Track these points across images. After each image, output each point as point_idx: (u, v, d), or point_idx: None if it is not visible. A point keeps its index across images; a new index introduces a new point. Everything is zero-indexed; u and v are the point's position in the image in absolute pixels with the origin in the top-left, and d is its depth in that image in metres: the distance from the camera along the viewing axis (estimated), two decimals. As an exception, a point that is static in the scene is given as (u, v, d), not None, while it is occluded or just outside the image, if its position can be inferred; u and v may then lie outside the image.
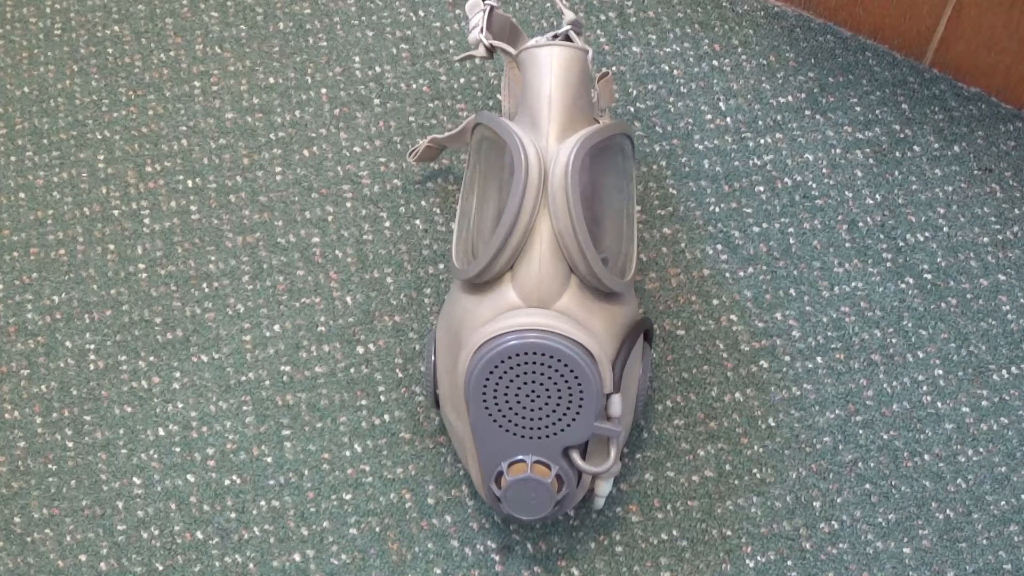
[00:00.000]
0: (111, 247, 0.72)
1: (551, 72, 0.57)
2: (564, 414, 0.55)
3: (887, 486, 0.63)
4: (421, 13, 0.80)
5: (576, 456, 0.56)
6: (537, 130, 0.57)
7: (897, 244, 0.70)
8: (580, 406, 0.55)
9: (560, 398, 0.55)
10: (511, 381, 0.55)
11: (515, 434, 0.55)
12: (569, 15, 0.63)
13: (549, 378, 0.54)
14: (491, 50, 0.62)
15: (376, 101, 0.77)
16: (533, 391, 0.55)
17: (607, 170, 0.59)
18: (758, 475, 0.64)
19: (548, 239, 0.55)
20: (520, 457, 0.56)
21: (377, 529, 0.63)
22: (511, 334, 0.54)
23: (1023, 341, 0.67)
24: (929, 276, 0.69)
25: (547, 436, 0.55)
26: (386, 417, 0.66)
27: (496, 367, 0.54)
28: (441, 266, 0.70)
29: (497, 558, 0.62)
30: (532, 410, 0.55)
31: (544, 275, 0.55)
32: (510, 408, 0.55)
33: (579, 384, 0.54)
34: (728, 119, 0.75)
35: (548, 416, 0.55)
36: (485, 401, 0.55)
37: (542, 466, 0.56)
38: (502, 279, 0.56)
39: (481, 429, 0.56)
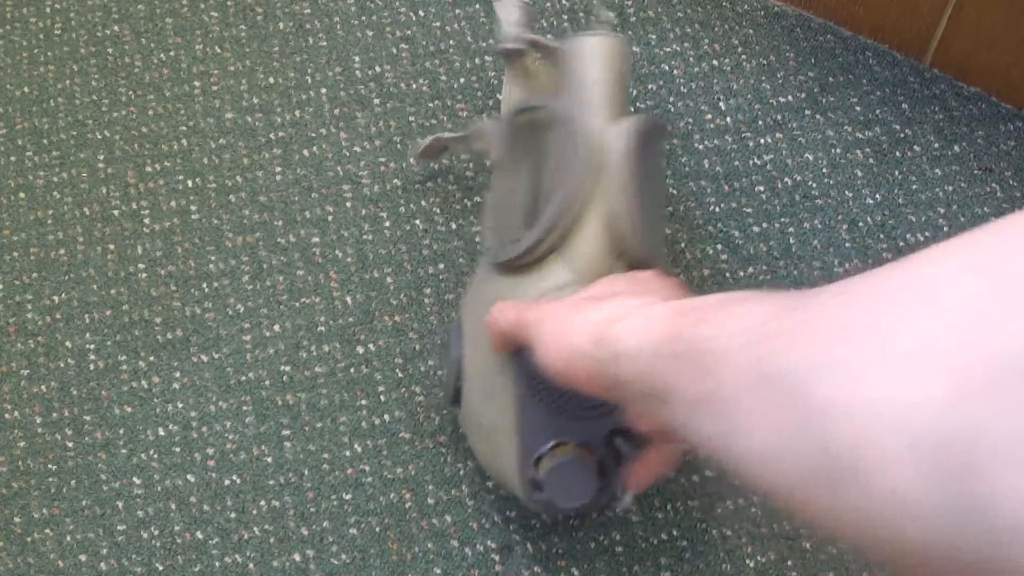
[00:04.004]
0: (111, 247, 0.72)
1: (601, 59, 0.58)
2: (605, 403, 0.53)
3: (887, 486, 0.63)
4: (421, 13, 0.80)
5: (621, 441, 0.54)
6: (587, 114, 0.57)
7: (897, 244, 0.70)
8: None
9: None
10: None
11: (563, 413, 0.53)
12: (606, 15, 0.63)
13: None
14: (527, 45, 0.62)
15: (376, 101, 0.77)
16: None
17: (652, 157, 0.59)
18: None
19: (601, 219, 0.54)
20: (564, 439, 0.53)
21: (377, 529, 0.63)
22: None
23: (1023, 341, 0.67)
24: (929, 276, 0.69)
25: (595, 417, 0.53)
26: (386, 417, 0.66)
27: None
28: (441, 266, 0.70)
29: (497, 558, 0.62)
30: (585, 402, 0.53)
31: (596, 254, 0.54)
32: (561, 386, 0.52)
33: None
34: (728, 119, 0.75)
35: (595, 406, 0.53)
36: (536, 377, 0.51)
37: (586, 450, 0.54)
38: (546, 260, 0.55)
39: (528, 409, 0.53)
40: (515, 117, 0.61)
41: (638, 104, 0.75)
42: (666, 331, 0.39)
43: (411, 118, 0.76)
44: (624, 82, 0.59)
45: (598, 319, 0.44)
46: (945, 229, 0.71)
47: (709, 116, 0.75)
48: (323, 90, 0.77)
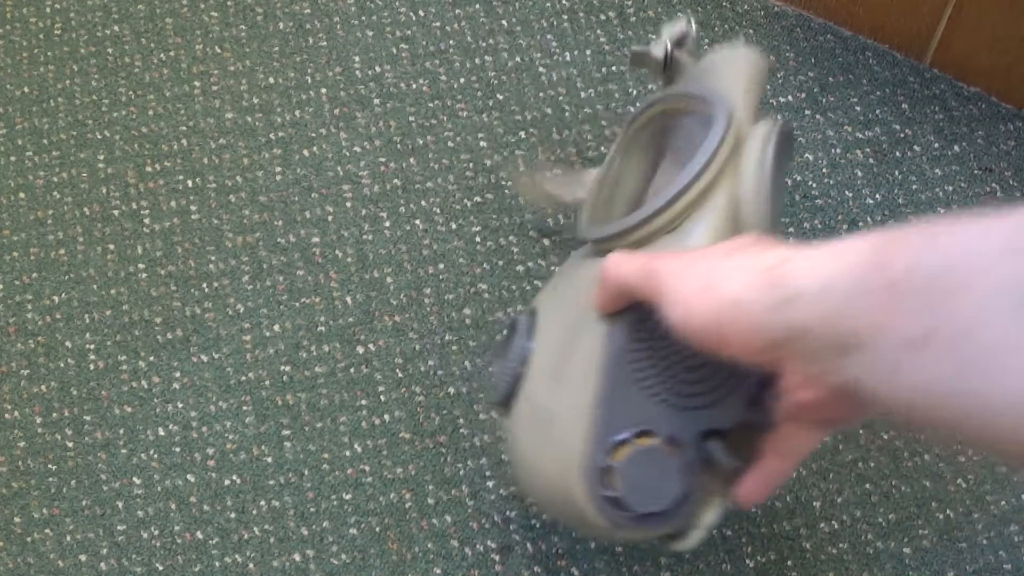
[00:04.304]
0: (111, 247, 0.72)
1: (746, 70, 0.56)
2: (720, 384, 0.46)
3: (887, 486, 0.63)
4: (421, 13, 0.80)
5: (716, 447, 0.46)
6: (729, 103, 0.53)
7: (897, 244, 0.71)
8: (740, 379, 0.46)
9: (723, 363, 0.43)
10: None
11: (654, 397, 0.45)
12: (682, 27, 0.62)
13: None
14: (668, 60, 0.60)
15: (376, 101, 0.77)
16: (696, 359, 0.45)
17: (782, 164, 0.55)
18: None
19: (728, 201, 0.49)
20: (649, 428, 0.45)
21: (377, 529, 0.63)
22: None
23: (1023, 341, 0.67)
24: (929, 276, 0.69)
25: (691, 409, 0.46)
26: (386, 417, 0.66)
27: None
28: (441, 266, 0.70)
29: (497, 558, 0.62)
30: (685, 369, 0.46)
31: (715, 235, 0.49)
32: (660, 362, 0.45)
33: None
34: (728, 119, 0.75)
35: (700, 382, 0.46)
36: (635, 352, 0.45)
37: (673, 448, 0.45)
38: (659, 239, 0.50)
39: (613, 386, 0.45)
40: (645, 109, 0.58)
41: (638, 104, 0.75)
42: (868, 261, 0.32)
43: (411, 118, 0.76)
44: (761, 96, 0.56)
45: (762, 262, 0.37)
46: (945, 229, 0.71)
47: (709, 116, 0.75)
48: (323, 90, 0.77)
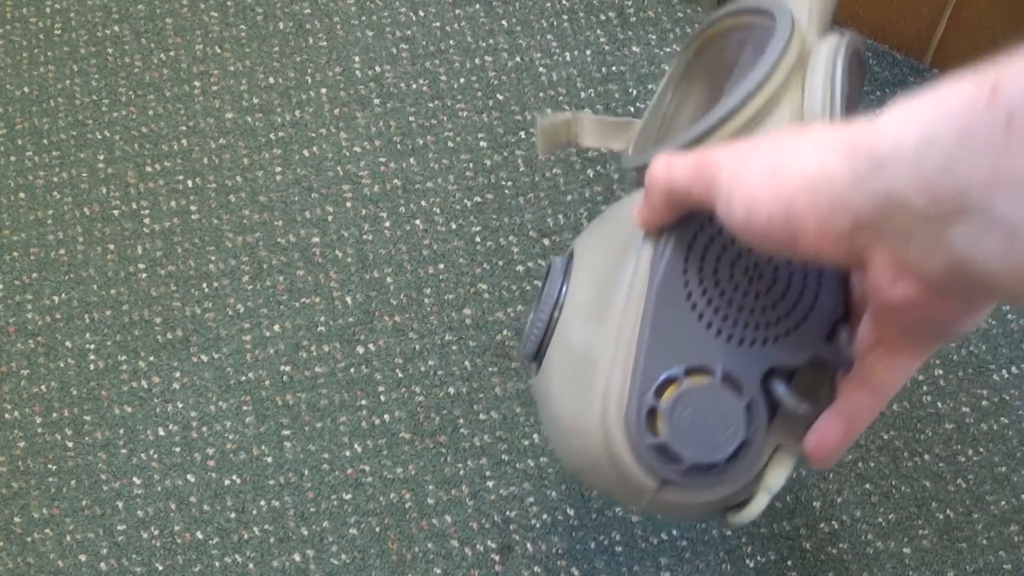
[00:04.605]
0: (111, 247, 0.72)
1: None
2: (789, 310, 0.39)
3: (887, 486, 0.63)
4: (421, 13, 0.80)
5: (782, 387, 0.38)
6: (797, 14, 0.46)
7: (897, 244, 0.70)
8: (812, 306, 0.39)
9: (791, 284, 0.39)
10: (736, 246, 0.39)
11: (708, 325, 0.39)
12: None
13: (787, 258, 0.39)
14: None
15: (376, 101, 0.77)
16: (758, 268, 0.39)
17: (855, 80, 0.49)
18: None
19: (794, 114, 0.43)
20: (702, 365, 0.38)
21: (377, 529, 0.63)
22: None
23: (1023, 341, 0.67)
24: (929, 276, 0.69)
25: (753, 342, 0.39)
26: (386, 417, 0.66)
27: (719, 229, 0.39)
28: (441, 266, 0.70)
29: (497, 558, 0.62)
30: (746, 293, 0.39)
31: None
32: (718, 285, 0.39)
33: (820, 275, 0.39)
34: (728, 119, 0.75)
35: (763, 309, 0.39)
36: (687, 273, 0.39)
37: (733, 386, 0.38)
38: None
39: (661, 316, 0.39)
40: (701, 32, 0.52)
41: (638, 104, 0.75)
42: (975, 100, 0.27)
43: (411, 118, 0.76)
44: (831, 10, 0.49)
45: (840, 132, 0.31)
46: (945, 229, 0.71)
47: (709, 116, 0.75)
48: (323, 90, 0.77)
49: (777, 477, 0.39)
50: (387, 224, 0.72)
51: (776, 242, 0.33)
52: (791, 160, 0.32)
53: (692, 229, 0.39)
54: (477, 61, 0.78)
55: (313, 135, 0.75)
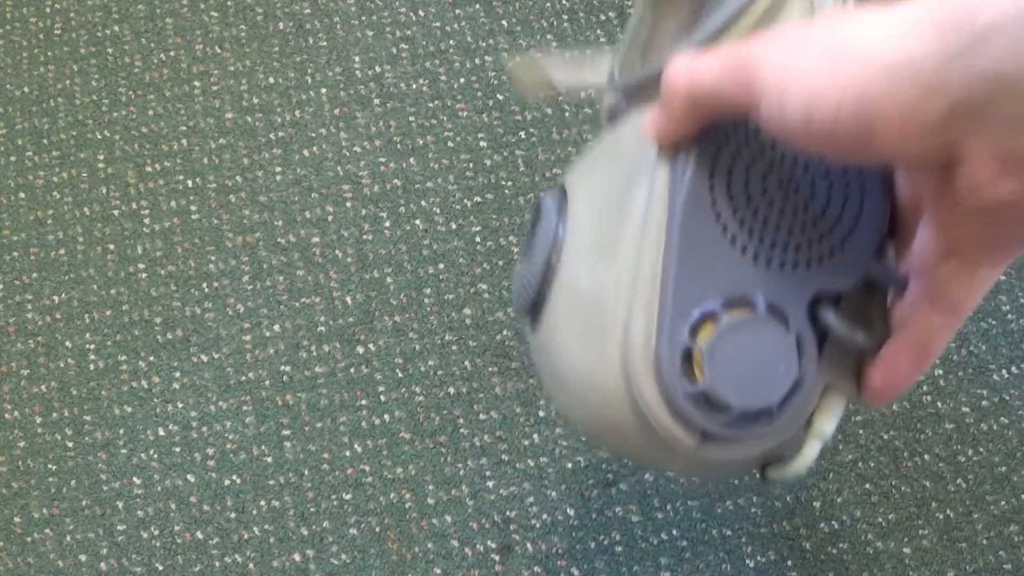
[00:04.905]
0: (111, 247, 0.72)
1: None
2: (831, 227, 0.34)
3: (887, 486, 0.63)
4: (421, 13, 0.80)
5: (832, 314, 0.33)
6: None
7: (897, 244, 0.71)
8: (857, 220, 0.34)
9: (832, 196, 0.34)
10: (766, 156, 0.34)
11: (744, 250, 0.33)
12: None
13: (824, 165, 0.34)
14: None
15: (376, 101, 0.77)
16: (793, 179, 0.34)
17: None
18: (758, 475, 0.64)
19: (805, 9, 0.37)
20: (742, 295, 0.33)
21: (377, 529, 0.63)
22: None
23: (1023, 341, 0.67)
24: (929, 276, 0.69)
25: (792, 266, 0.33)
26: (386, 417, 0.66)
27: (746, 138, 0.34)
28: (441, 266, 0.70)
29: (497, 558, 0.62)
30: (783, 210, 0.34)
31: None
32: (750, 202, 0.34)
33: (863, 183, 0.34)
34: (728, 119, 0.75)
35: (805, 228, 0.33)
36: (716, 190, 0.33)
37: (779, 317, 0.33)
38: None
39: (691, 246, 0.33)
40: None
41: (638, 104, 0.75)
42: None
43: (411, 118, 0.76)
44: None
45: (922, 6, 0.26)
46: (945, 229, 0.71)
47: (709, 116, 0.75)
48: (323, 90, 0.77)
49: (829, 421, 0.34)
50: (387, 224, 0.72)
51: (845, 142, 0.28)
52: (858, 44, 0.27)
53: (716, 141, 0.34)
54: (477, 61, 0.78)
55: (313, 135, 0.75)
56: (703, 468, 0.36)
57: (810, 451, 0.35)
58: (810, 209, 0.33)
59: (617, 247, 0.35)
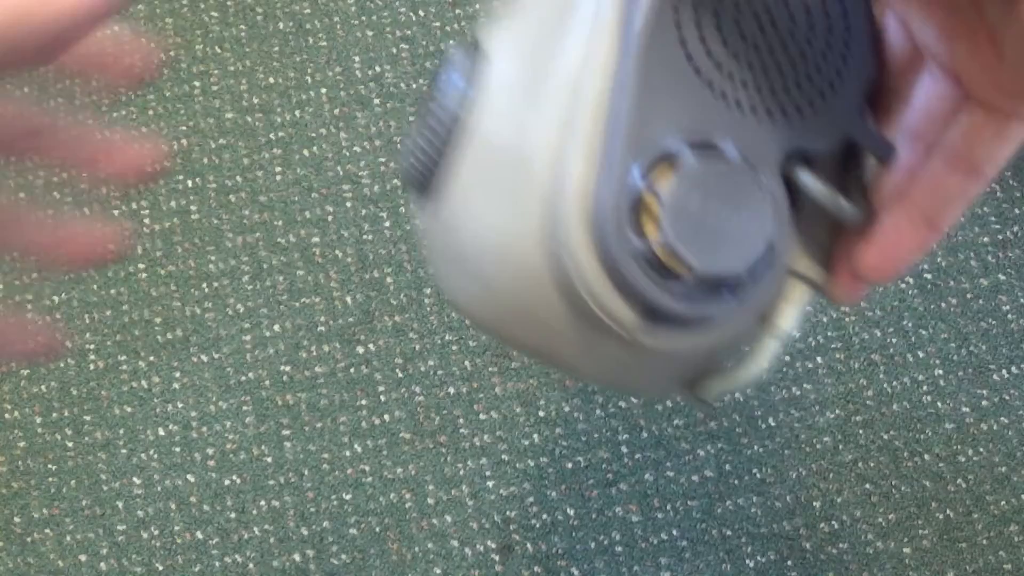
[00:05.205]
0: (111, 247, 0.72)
1: None
2: (811, 74, 0.28)
3: (887, 486, 0.63)
4: (421, 13, 0.80)
5: (807, 174, 0.27)
6: None
7: (897, 244, 0.71)
8: (841, 68, 0.28)
9: (814, 35, 0.28)
10: None
11: (711, 86, 0.27)
12: None
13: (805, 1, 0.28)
14: None
15: (376, 101, 0.77)
16: (769, 10, 0.28)
17: None
18: (758, 475, 0.64)
19: None
20: (706, 136, 0.26)
21: (377, 529, 0.63)
22: None
23: (1023, 341, 0.67)
24: (929, 276, 0.69)
25: (766, 113, 0.27)
26: (386, 417, 0.66)
27: None
28: (441, 266, 0.70)
29: (497, 558, 0.62)
30: (758, 47, 0.27)
31: None
32: (721, 32, 0.27)
33: (848, 29, 0.28)
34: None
35: (782, 71, 0.27)
36: (679, 11, 0.27)
37: (750, 166, 0.27)
38: None
39: (648, 74, 0.26)
40: None
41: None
42: None
43: (411, 118, 0.76)
44: None
45: None
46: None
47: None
48: (323, 90, 0.77)
49: (789, 316, 0.28)
50: (387, 224, 0.72)
51: None
52: None
53: None
54: None
55: (313, 135, 0.75)
56: (635, 367, 0.28)
57: (764, 354, 0.28)
58: (789, 50, 0.28)
59: (547, 84, 0.27)
